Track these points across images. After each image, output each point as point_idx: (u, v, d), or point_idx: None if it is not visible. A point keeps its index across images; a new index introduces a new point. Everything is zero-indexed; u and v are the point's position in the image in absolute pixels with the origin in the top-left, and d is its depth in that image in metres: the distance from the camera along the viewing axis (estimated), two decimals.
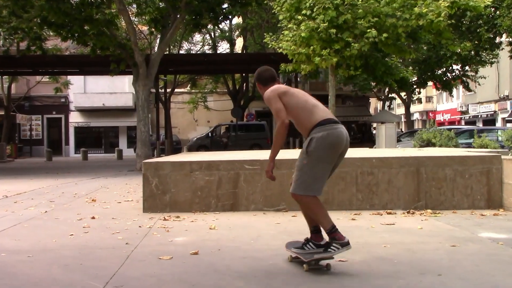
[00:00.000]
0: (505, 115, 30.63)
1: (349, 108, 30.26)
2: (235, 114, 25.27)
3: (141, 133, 15.64)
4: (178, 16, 15.70)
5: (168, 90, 28.41)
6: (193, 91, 33.81)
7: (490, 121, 33.16)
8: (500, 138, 14.40)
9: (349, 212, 5.41)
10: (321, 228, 3.15)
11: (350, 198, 5.63)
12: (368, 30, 12.77)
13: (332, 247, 3.02)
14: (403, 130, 44.99)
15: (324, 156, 3.05)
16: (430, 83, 26.47)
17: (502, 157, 5.55)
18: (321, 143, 3.03)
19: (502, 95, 31.29)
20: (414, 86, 26.02)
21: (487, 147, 10.86)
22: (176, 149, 28.51)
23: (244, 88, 30.68)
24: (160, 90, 26.19)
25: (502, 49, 22.06)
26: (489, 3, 13.89)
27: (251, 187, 5.61)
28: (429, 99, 47.23)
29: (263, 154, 6.99)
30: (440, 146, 12.02)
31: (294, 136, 21.90)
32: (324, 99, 26.89)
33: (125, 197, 7.39)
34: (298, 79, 22.41)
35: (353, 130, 34.12)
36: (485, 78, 25.64)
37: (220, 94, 36.22)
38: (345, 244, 3.01)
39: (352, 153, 7.25)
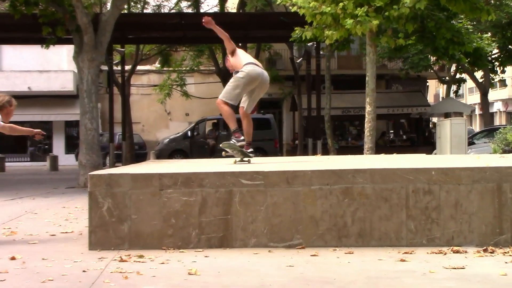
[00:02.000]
0: None
1: (396, 96, 30.32)
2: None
3: (87, 132, 15.73)
4: None
5: (127, 68, 28.51)
6: (164, 69, 33.97)
7: None
8: None
9: (396, 250, 5.51)
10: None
11: (397, 229, 5.73)
12: None
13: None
14: (477, 127, 44.85)
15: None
16: None
17: None
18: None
19: None
20: (494, 62, 26.10)
21: None
22: (139, 156, 28.62)
23: None
24: (115, 68, 26.29)
25: None
26: None
27: (251, 212, 5.73)
28: None
29: (270, 164, 7.02)
30: None
31: (313, 136, 21.98)
32: (358, 82, 27.23)
33: (62, 227, 7.41)
34: (321, 51, 22.50)
35: (402, 127, 34.21)
36: None
37: (205, 74, 36.36)
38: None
39: (401, 161, 7.25)
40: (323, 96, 23.21)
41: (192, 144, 26.30)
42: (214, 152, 25.28)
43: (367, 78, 14.89)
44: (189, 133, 26.96)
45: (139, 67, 32.78)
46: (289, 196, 5.67)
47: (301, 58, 25.81)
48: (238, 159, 7.11)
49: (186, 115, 37.07)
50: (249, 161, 7.12)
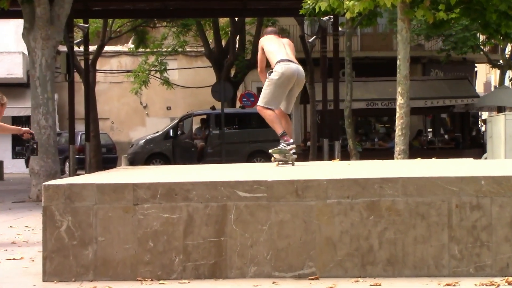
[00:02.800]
0: None
1: (436, 84, 30.29)
2: (220, 94, 25.39)
3: (40, 131, 15.72)
4: None
5: (92, 49, 28.46)
6: (140, 51, 33.90)
7: None
8: None
9: (435, 281, 5.48)
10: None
11: (437, 254, 5.71)
12: None
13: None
14: None
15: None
16: None
17: None
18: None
19: None
20: None
21: None
22: (108, 161, 28.56)
23: (237, 45, 30.77)
24: (76, 49, 26.19)
25: None
26: None
27: (250, 233, 5.72)
28: None
29: (274, 171, 7.01)
30: None
31: (330, 136, 21.92)
32: (386, 67, 26.96)
33: (9, 252, 7.37)
34: (339, 27, 22.48)
35: (443, 124, 34.09)
36: None
37: (191, 57, 36.38)
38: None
39: (442, 168, 7.22)
40: (342, 85, 22.93)
41: (175, 146, 26.32)
42: (203, 156, 25.34)
43: (398, 62, 14.86)
44: (171, 132, 26.93)
45: (107, 48, 32.78)
46: (299, 213, 5.66)
47: (314, 37, 25.78)
48: (281, 161, 8.14)
49: (168, 109, 37.13)
50: (293, 164, 8.16)
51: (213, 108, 26.73)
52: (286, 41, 8.52)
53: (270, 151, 8.33)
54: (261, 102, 8.13)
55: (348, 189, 5.69)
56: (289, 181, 5.74)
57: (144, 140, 27.54)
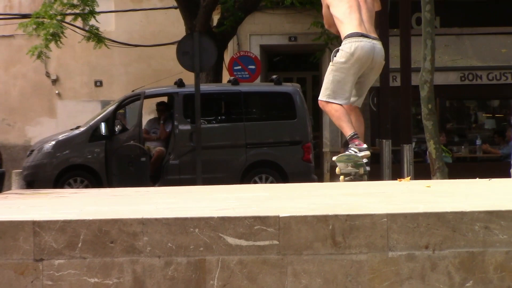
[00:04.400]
0: None
1: None
2: (193, 58, 16.27)
3: None
4: None
5: None
6: None
7: None
8: None
9: None
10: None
11: None
12: None
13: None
14: None
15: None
16: None
17: None
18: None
19: None
20: None
21: None
22: None
23: None
24: None
25: None
26: None
27: None
28: None
29: (290, 199, 5.32)
30: None
31: (394, 135, 14.49)
32: (496, 7, 20.16)
33: None
34: None
35: None
36: None
37: None
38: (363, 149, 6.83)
39: None
40: (416, 42, 14.32)
41: (111, 154, 16.92)
42: (162, 172, 16.87)
43: None
44: (102, 127, 17.05)
45: None
46: (338, 275, 4.16)
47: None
48: (349, 174, 6.88)
49: (97, 85, 25.03)
50: (365, 178, 6.92)
51: (179, 83, 17.19)
52: None
53: (334, 158, 6.99)
54: (323, 95, 6.86)
55: (427, 232, 4.12)
56: (319, 217, 4.11)
57: (53, 143, 17.68)
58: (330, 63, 6.82)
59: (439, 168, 13.05)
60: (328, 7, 6.85)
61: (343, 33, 6.71)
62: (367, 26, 6.75)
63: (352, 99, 6.97)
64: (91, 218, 4.24)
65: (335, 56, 6.72)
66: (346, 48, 6.63)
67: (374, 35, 6.76)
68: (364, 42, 6.64)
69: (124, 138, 17.47)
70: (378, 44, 6.75)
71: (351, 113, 6.97)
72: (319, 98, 6.91)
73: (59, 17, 20.25)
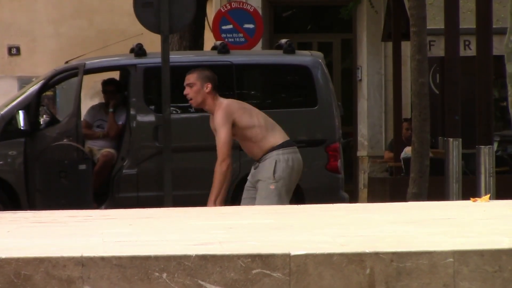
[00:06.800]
0: None
1: None
2: (158, 12, 11.89)
3: None
4: None
5: None
6: None
7: None
8: None
9: None
10: None
11: None
12: None
13: None
14: None
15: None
16: None
17: None
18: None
19: None
20: None
21: None
22: None
23: None
24: None
25: None
26: None
27: None
28: None
29: (303, 227, 4.69)
30: None
31: (469, 134, 11.88)
32: None
33: None
34: None
35: None
36: None
37: None
38: None
39: None
40: None
41: (32, 159, 12.32)
42: (109, 187, 12.41)
43: None
44: (21, 118, 12.15)
45: None
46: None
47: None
48: None
49: (12, 53, 19.46)
50: None
51: (138, 51, 12.41)
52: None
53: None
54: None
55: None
56: (351, 256, 3.33)
57: None
58: (264, 186, 7.78)
59: None
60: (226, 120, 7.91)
61: (267, 145, 7.88)
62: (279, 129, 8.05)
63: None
64: (3, 256, 3.35)
65: (267, 178, 7.80)
66: (282, 164, 7.80)
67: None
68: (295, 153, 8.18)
69: (54, 135, 12.35)
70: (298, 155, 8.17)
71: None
72: None
73: None
